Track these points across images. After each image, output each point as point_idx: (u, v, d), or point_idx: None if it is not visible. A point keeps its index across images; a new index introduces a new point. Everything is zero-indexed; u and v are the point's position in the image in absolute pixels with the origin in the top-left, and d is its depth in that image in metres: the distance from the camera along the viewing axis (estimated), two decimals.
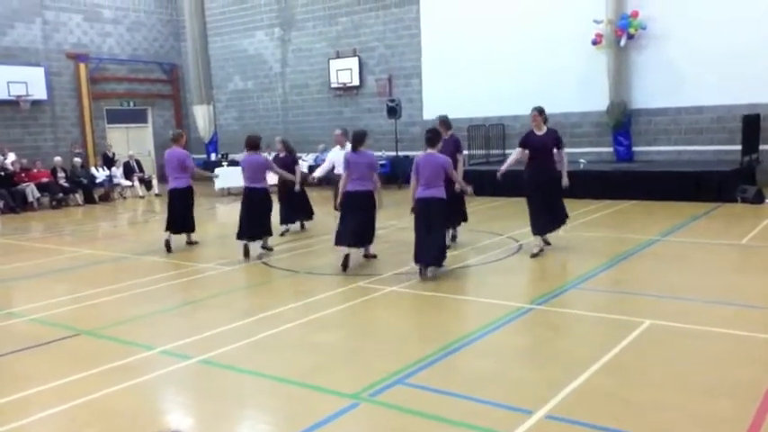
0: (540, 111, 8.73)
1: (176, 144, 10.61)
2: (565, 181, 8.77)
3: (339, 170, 9.89)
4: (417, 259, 7.88)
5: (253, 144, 9.68)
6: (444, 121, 9.41)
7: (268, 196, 9.75)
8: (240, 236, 9.54)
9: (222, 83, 23.98)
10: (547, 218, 8.83)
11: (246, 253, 9.49)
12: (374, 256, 8.98)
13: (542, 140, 8.68)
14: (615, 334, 5.53)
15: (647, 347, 5.30)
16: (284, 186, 11.27)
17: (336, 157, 10.03)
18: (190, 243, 10.79)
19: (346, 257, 8.39)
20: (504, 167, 9.02)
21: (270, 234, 9.81)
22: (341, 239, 8.49)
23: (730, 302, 6.41)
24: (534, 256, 8.66)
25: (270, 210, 9.82)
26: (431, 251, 7.77)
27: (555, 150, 8.75)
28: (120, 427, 4.25)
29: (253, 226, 9.53)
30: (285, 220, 11.41)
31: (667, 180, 13.70)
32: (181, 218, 10.45)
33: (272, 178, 10.60)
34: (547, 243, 9.03)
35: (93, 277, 8.90)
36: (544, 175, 8.68)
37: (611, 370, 4.81)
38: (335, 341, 5.81)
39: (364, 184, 8.45)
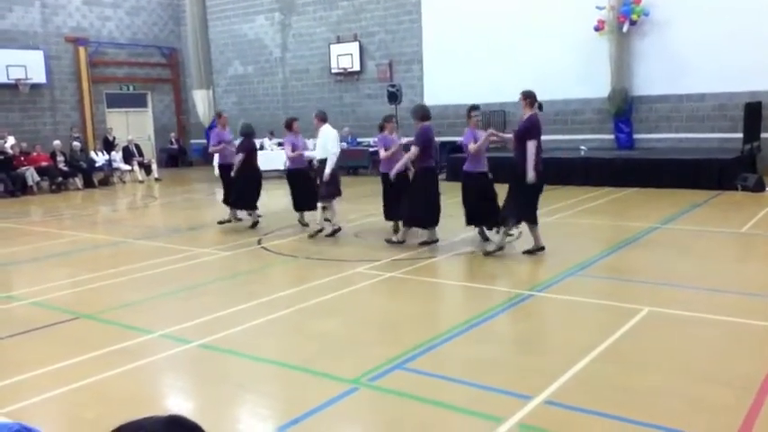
0: (524, 94, 7.86)
1: (219, 124, 11.58)
2: (529, 176, 7.62)
3: (316, 154, 10.01)
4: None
5: (289, 125, 10.26)
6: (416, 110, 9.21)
7: (308, 175, 10.48)
8: (297, 208, 10.52)
9: (222, 67, 23.85)
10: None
11: (302, 221, 10.53)
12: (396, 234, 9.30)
13: (516, 128, 8.07)
14: (614, 321, 5.53)
15: (646, 335, 5.31)
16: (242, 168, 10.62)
17: (318, 142, 9.90)
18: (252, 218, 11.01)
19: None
20: (499, 133, 9.38)
21: (314, 207, 10.31)
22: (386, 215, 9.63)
23: (729, 290, 6.42)
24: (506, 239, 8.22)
25: (313, 186, 10.24)
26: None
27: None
28: (119, 411, 4.24)
29: (303, 200, 10.30)
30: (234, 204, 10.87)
31: (668, 168, 13.67)
32: (232, 192, 10.87)
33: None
34: (541, 248, 8.07)
35: (92, 261, 8.90)
36: (514, 165, 7.87)
37: (610, 357, 4.82)
38: (335, 326, 5.82)
39: (386, 166, 9.31)
